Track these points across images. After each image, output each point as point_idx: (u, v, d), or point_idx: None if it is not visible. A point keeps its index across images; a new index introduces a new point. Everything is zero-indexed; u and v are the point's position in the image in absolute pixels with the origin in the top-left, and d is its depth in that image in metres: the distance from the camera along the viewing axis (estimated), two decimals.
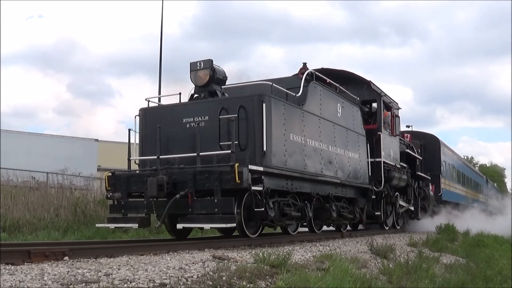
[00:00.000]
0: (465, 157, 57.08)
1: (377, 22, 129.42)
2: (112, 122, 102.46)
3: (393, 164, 13.26)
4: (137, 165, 8.72)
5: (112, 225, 8.23)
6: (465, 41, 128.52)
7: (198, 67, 8.23)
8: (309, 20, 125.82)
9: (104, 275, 4.16)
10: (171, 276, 4.21)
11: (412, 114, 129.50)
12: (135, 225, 7.84)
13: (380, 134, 12.37)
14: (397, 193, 13.95)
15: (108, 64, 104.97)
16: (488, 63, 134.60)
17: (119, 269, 4.50)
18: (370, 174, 11.74)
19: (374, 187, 11.96)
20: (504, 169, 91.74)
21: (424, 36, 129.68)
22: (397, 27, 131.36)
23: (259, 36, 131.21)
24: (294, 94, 8.70)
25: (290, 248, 6.75)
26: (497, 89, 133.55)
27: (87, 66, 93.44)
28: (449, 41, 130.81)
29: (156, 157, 7.95)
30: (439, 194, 19.58)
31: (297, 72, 10.24)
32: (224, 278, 4.23)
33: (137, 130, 8.66)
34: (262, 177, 7.50)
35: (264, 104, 7.56)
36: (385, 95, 13.26)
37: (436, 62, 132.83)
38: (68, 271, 4.29)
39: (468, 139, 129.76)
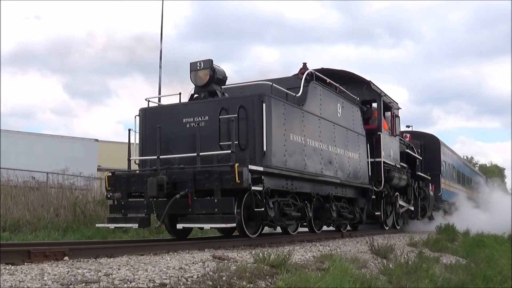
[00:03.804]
0: (465, 157, 57.12)
1: (370, 24, 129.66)
2: (110, 123, 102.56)
3: (393, 164, 13.26)
4: (137, 165, 8.72)
5: (112, 225, 8.24)
6: (457, 42, 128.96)
7: (198, 67, 8.23)
8: (302, 21, 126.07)
9: (104, 275, 4.16)
10: (171, 276, 4.21)
11: (409, 115, 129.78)
12: (135, 225, 7.84)
13: (380, 134, 12.37)
14: (397, 193, 13.95)
15: (105, 64, 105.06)
16: (482, 64, 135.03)
17: (119, 269, 4.50)
18: (370, 174, 11.74)
19: (374, 187, 11.96)
20: (504, 169, 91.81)
21: (417, 37, 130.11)
22: (390, 29, 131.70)
23: (253, 37, 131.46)
24: (294, 94, 8.70)
25: (290, 248, 6.75)
26: (492, 90, 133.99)
27: (83, 66, 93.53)
28: (442, 42, 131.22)
29: (156, 157, 7.95)
30: (439, 194, 19.58)
31: (296, 72, 10.25)
32: (224, 278, 4.23)
33: (137, 130, 8.67)
34: (262, 177, 7.50)
35: (264, 104, 7.56)
36: (385, 95, 13.26)
37: (430, 63, 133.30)
38: (68, 271, 4.29)
39: (465, 139, 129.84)
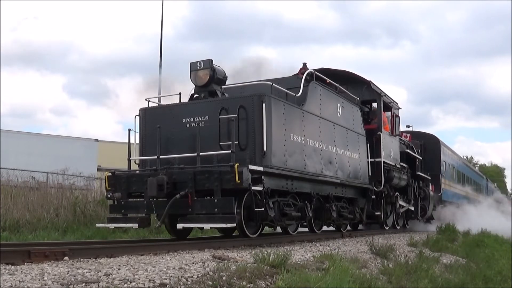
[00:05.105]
0: (465, 157, 57.13)
1: (368, 24, 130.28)
2: (110, 123, 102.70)
3: (393, 164, 13.25)
4: (137, 165, 8.72)
5: (112, 225, 8.23)
6: (456, 42, 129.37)
7: (198, 67, 8.23)
8: (300, 22, 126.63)
9: (104, 275, 4.16)
10: (171, 276, 4.21)
11: (408, 115, 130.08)
12: (135, 225, 7.84)
13: (380, 134, 12.37)
14: (397, 193, 13.94)
15: (103, 64, 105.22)
16: (479, 64, 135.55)
17: (119, 269, 4.50)
18: (370, 174, 11.73)
19: (374, 187, 11.95)
20: (504, 169, 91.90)
21: (414, 37, 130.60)
22: (388, 29, 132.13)
23: (251, 38, 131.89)
24: (294, 94, 8.70)
25: (290, 248, 6.75)
26: (490, 90, 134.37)
27: (82, 66, 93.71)
28: (439, 42, 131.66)
29: (156, 157, 7.95)
30: (439, 194, 19.58)
31: (297, 72, 10.25)
32: (224, 278, 4.23)
33: (137, 130, 8.66)
34: (262, 177, 7.50)
35: (264, 104, 7.56)
36: (385, 95, 13.26)
37: (428, 63, 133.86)
38: (68, 271, 4.29)
39: (464, 139, 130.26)
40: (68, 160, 20.82)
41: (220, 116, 7.72)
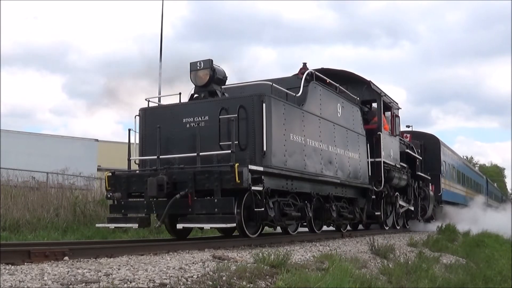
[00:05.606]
0: (465, 157, 57.16)
1: (367, 24, 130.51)
2: (110, 123, 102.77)
3: (393, 164, 13.25)
4: (137, 165, 8.72)
5: (112, 225, 8.23)
6: (455, 42, 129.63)
7: (198, 67, 8.22)
8: (300, 22, 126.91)
9: (104, 275, 4.16)
10: (171, 276, 4.21)
11: (408, 115, 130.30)
12: (135, 225, 7.84)
13: (380, 134, 12.37)
14: (397, 193, 13.94)
15: (103, 64, 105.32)
16: (479, 64, 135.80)
17: (119, 269, 4.50)
18: (370, 174, 11.73)
19: (374, 187, 11.95)
20: (504, 169, 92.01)
21: (414, 37, 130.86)
22: (387, 29, 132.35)
23: (251, 38, 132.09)
24: (294, 94, 8.70)
25: (290, 248, 6.75)
26: (490, 90, 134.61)
27: (81, 66, 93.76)
28: (439, 42, 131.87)
29: (156, 157, 7.95)
30: (439, 194, 19.58)
31: (297, 72, 10.25)
32: (224, 278, 4.23)
33: (137, 130, 8.66)
34: (262, 177, 7.50)
35: (264, 104, 7.55)
36: (385, 95, 13.26)
37: (427, 63, 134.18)
38: (68, 271, 4.29)
39: (464, 139, 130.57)
40: (68, 160, 20.82)
41: (220, 116, 7.72)
